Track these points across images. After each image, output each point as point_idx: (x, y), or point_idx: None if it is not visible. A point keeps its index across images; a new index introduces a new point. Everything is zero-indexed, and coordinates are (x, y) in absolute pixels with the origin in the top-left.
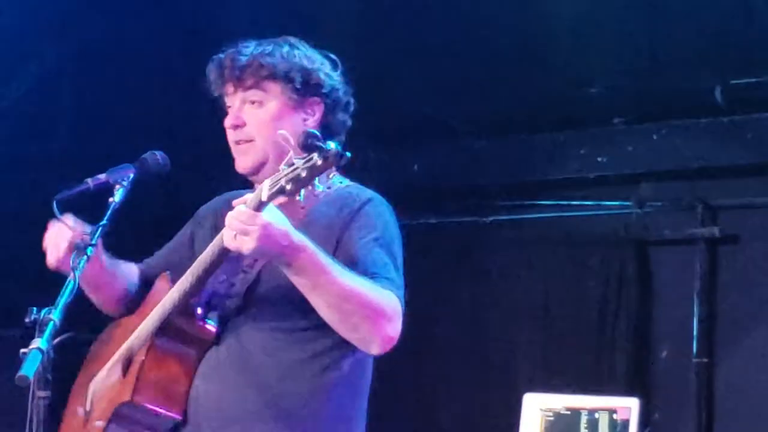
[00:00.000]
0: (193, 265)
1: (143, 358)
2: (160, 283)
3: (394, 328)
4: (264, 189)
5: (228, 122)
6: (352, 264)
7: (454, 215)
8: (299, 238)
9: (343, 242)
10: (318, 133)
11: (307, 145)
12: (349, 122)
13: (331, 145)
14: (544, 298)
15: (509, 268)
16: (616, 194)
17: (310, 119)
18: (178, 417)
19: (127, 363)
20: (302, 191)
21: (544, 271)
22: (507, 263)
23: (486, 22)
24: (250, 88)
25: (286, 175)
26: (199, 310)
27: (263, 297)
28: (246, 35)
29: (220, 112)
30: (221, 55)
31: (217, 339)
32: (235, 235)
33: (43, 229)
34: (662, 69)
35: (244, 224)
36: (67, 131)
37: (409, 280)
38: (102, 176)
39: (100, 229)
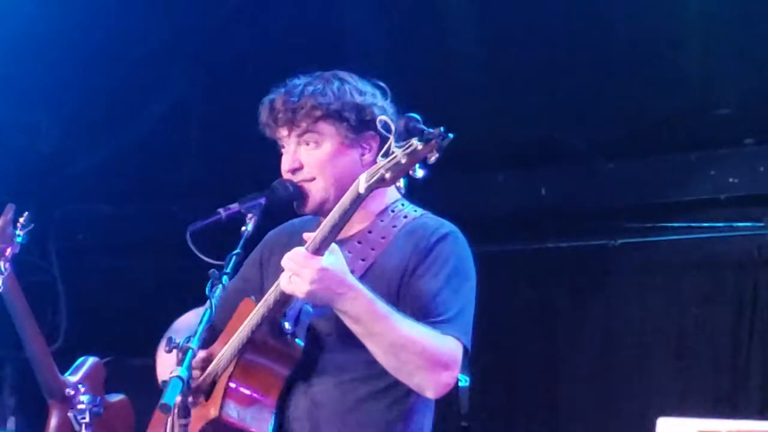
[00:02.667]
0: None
1: (229, 374)
2: (244, 306)
3: (451, 375)
4: (361, 182)
5: (285, 167)
6: (419, 301)
7: (583, 238)
8: (355, 285)
9: (415, 276)
10: (418, 117)
11: (409, 129)
12: None
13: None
14: (676, 321)
15: (639, 292)
16: (748, 215)
17: (367, 154)
18: None
19: (210, 386)
20: (402, 179)
21: (675, 295)
22: (636, 286)
23: (615, 45)
24: (305, 131)
25: (384, 165)
26: (287, 325)
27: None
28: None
29: None
30: (271, 97)
31: (304, 356)
32: (291, 277)
33: (174, 258)
34: None
35: (299, 266)
36: (195, 161)
37: (538, 303)
38: (234, 206)
39: (233, 258)
